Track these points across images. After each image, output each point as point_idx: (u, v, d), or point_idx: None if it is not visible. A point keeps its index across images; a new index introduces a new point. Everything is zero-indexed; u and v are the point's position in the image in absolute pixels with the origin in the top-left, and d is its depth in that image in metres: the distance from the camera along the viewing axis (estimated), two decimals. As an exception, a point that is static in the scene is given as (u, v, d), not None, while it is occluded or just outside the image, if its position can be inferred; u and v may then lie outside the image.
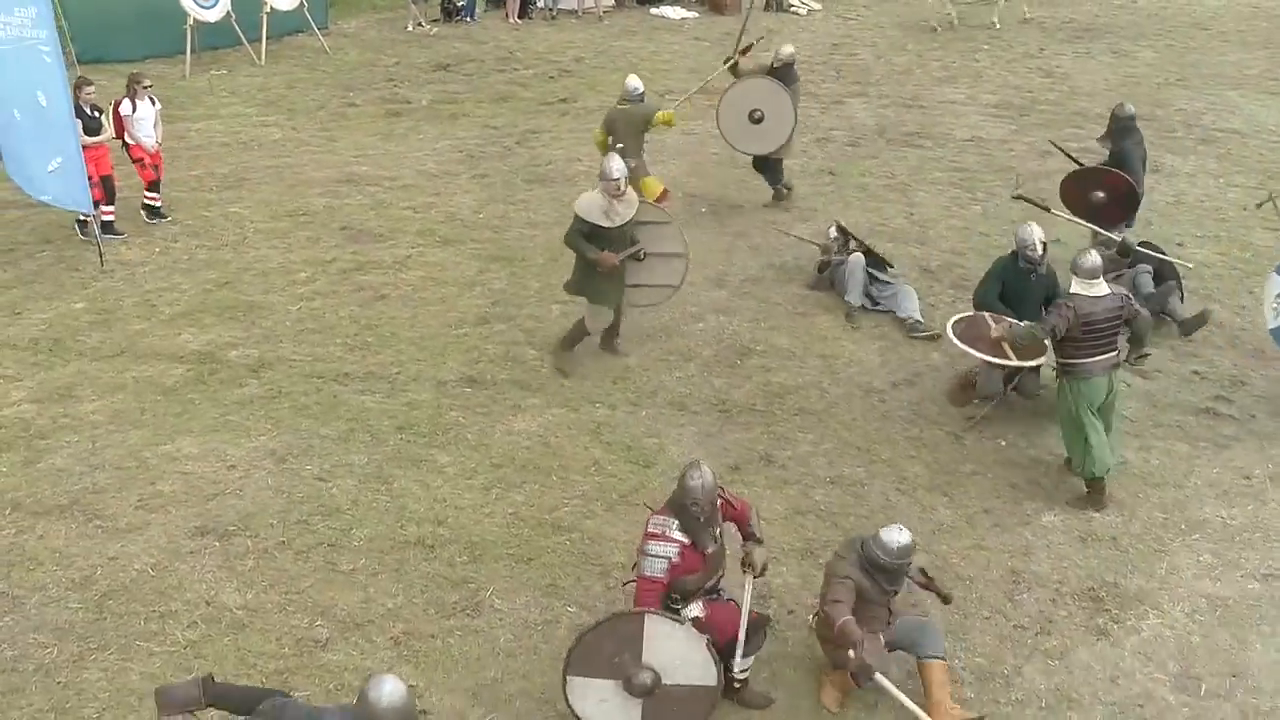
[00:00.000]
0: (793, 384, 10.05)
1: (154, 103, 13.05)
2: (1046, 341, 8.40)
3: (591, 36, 22.00)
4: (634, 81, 12.08)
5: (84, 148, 12.18)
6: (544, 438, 9.24)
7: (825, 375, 10.19)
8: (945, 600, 7.18)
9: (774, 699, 6.84)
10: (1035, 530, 8.33)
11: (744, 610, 6.51)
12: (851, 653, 6.36)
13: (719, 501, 6.75)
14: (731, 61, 13.33)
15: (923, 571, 7.08)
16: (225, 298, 11.53)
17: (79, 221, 12.73)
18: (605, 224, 9.50)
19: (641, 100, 12.05)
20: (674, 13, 23.24)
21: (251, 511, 8.31)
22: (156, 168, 13.25)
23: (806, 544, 8.07)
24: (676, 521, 6.51)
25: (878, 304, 11.27)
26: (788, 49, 13.08)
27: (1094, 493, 8.48)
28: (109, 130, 12.68)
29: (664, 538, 6.46)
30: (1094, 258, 8.23)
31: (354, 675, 6.94)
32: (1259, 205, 12.00)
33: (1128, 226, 11.36)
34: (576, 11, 23.27)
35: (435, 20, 22.82)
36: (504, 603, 7.53)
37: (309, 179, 14.75)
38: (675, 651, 6.27)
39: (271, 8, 19.85)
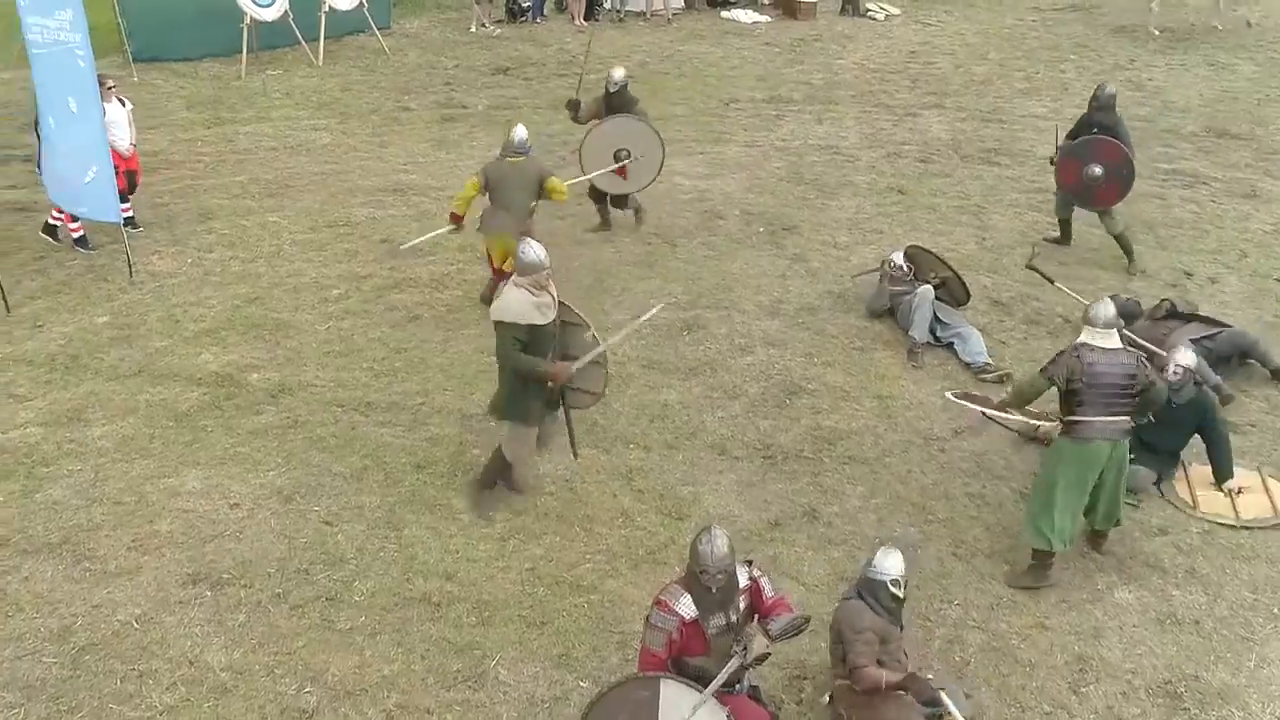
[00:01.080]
0: (845, 428, 9.26)
1: (124, 104, 12.51)
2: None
3: (658, 40, 21.29)
4: (520, 132, 10.37)
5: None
6: (570, 483, 8.56)
7: (881, 419, 9.39)
8: None
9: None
10: (1107, 609, 7.47)
11: (711, 683, 5.72)
12: (899, 680, 5.97)
13: (749, 582, 6.00)
14: (574, 103, 12.43)
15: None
16: (253, 314, 11.00)
17: (50, 226, 12.29)
18: (541, 321, 7.71)
19: (528, 154, 10.43)
20: (745, 16, 22.44)
21: (249, 558, 7.72)
22: (132, 174, 12.61)
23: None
24: (688, 595, 5.79)
25: (940, 340, 10.37)
26: (619, 72, 12.09)
27: (1038, 568, 7.59)
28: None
29: (667, 608, 5.76)
30: (1108, 308, 7.39)
31: (340, 758, 6.27)
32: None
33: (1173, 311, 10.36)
34: (644, 14, 22.54)
35: (499, 21, 22.25)
36: (510, 674, 6.86)
37: (354, 187, 14.22)
38: None
39: (330, 7, 19.40)
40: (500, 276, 9.93)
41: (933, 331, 10.43)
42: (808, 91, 17.95)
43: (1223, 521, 8.25)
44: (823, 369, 10.05)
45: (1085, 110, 11.80)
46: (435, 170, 14.79)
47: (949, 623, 7.34)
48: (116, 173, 11.90)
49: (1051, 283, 10.41)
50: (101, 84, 11.83)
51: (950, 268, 10.66)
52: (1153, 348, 9.03)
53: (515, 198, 10.27)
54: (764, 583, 6.18)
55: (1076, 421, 7.27)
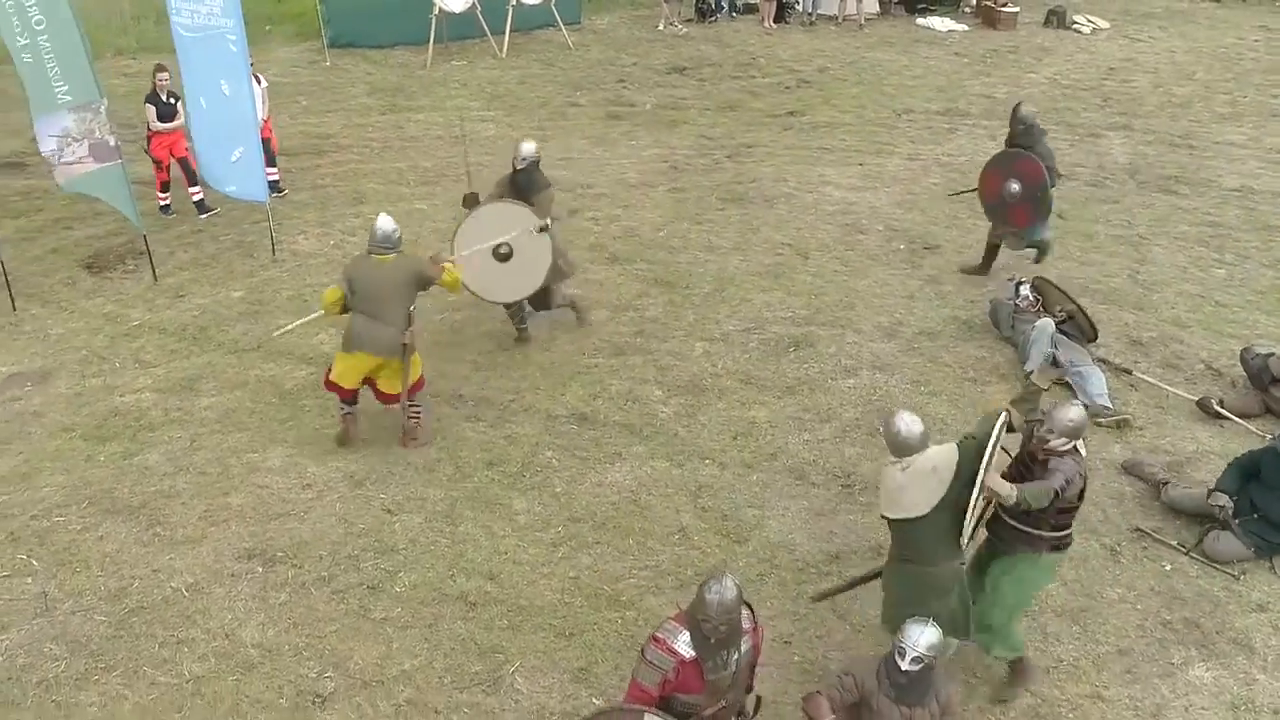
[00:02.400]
0: (935, 463, 8.76)
1: (259, 81, 13.17)
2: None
3: (845, 46, 20.82)
4: (386, 223, 8.51)
5: (158, 134, 12.30)
6: (636, 494, 8.43)
7: (981, 456, 8.85)
8: None
9: None
10: (1176, 686, 6.91)
11: None
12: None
13: (751, 630, 5.78)
14: (472, 198, 9.99)
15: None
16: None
17: (162, 206, 12.86)
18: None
19: (398, 247, 8.59)
20: (941, 24, 21.71)
21: (306, 539, 7.91)
22: (266, 141, 13.07)
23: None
24: (687, 635, 5.60)
25: (1061, 378, 9.77)
26: (528, 146, 9.76)
27: (1021, 671, 6.89)
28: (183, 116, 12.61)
29: (665, 647, 5.57)
30: (1079, 413, 6.44)
31: (341, 745, 6.35)
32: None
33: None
34: (836, 18, 22.08)
35: (688, 20, 22.19)
36: (527, 683, 6.82)
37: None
38: None
39: (519, 1, 19.72)
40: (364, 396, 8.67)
41: (1056, 364, 9.81)
42: (987, 106, 17.23)
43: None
44: (927, 398, 9.60)
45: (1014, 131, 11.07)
46: (587, 167, 14.85)
47: (998, 680, 6.89)
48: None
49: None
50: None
51: (1075, 303, 10.03)
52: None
53: (387, 306, 8.40)
54: (760, 629, 5.94)
55: (1063, 536, 6.65)
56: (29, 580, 7.53)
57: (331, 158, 15.27)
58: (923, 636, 5.73)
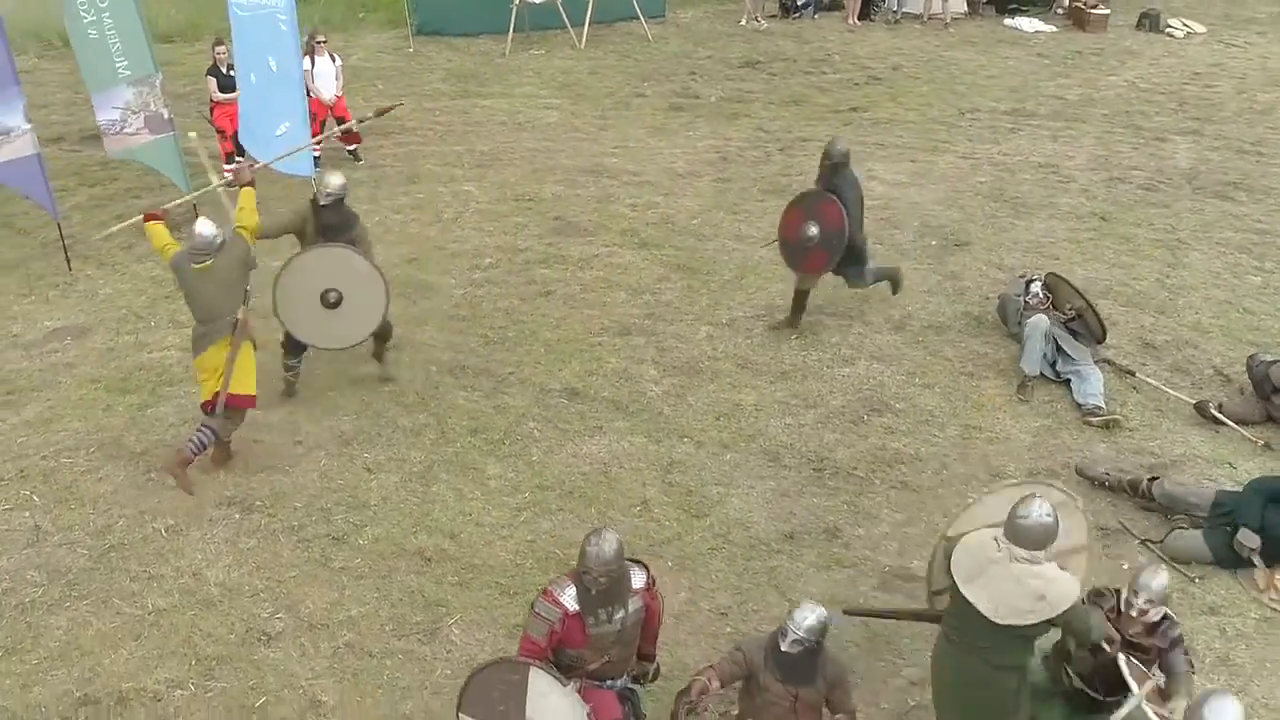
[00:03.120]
0: (911, 452, 8.87)
1: (334, 59, 14.05)
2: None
3: (924, 44, 20.67)
4: (206, 228, 8.03)
5: (220, 104, 12.83)
6: (607, 466, 8.67)
7: (956, 448, 8.93)
8: None
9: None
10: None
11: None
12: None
13: (641, 590, 5.98)
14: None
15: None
16: (404, 273, 11.68)
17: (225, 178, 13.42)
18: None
19: (217, 253, 8.13)
20: (1029, 25, 21.39)
21: (286, 491, 8.34)
22: (340, 120, 14.06)
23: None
24: (574, 588, 5.83)
25: (1060, 375, 9.72)
26: (335, 179, 8.95)
27: None
28: None
29: (552, 599, 5.81)
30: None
31: (276, 678, 6.76)
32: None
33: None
34: (921, 16, 21.92)
35: (772, 16, 22.26)
36: (463, 635, 7.12)
37: (556, 165, 14.74)
38: (557, 715, 5.69)
39: (599, -8, 20.10)
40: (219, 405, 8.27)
41: (1054, 366, 9.75)
42: (1057, 107, 16.99)
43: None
44: (919, 390, 9.64)
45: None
46: (639, 155, 15.09)
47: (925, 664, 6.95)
48: (314, 119, 13.40)
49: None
50: (313, 39, 13.36)
51: (1086, 300, 9.94)
52: None
53: (222, 306, 8.23)
54: (655, 593, 6.11)
55: None
56: (27, 514, 8.08)
57: (395, 139, 15.79)
58: (806, 620, 5.84)
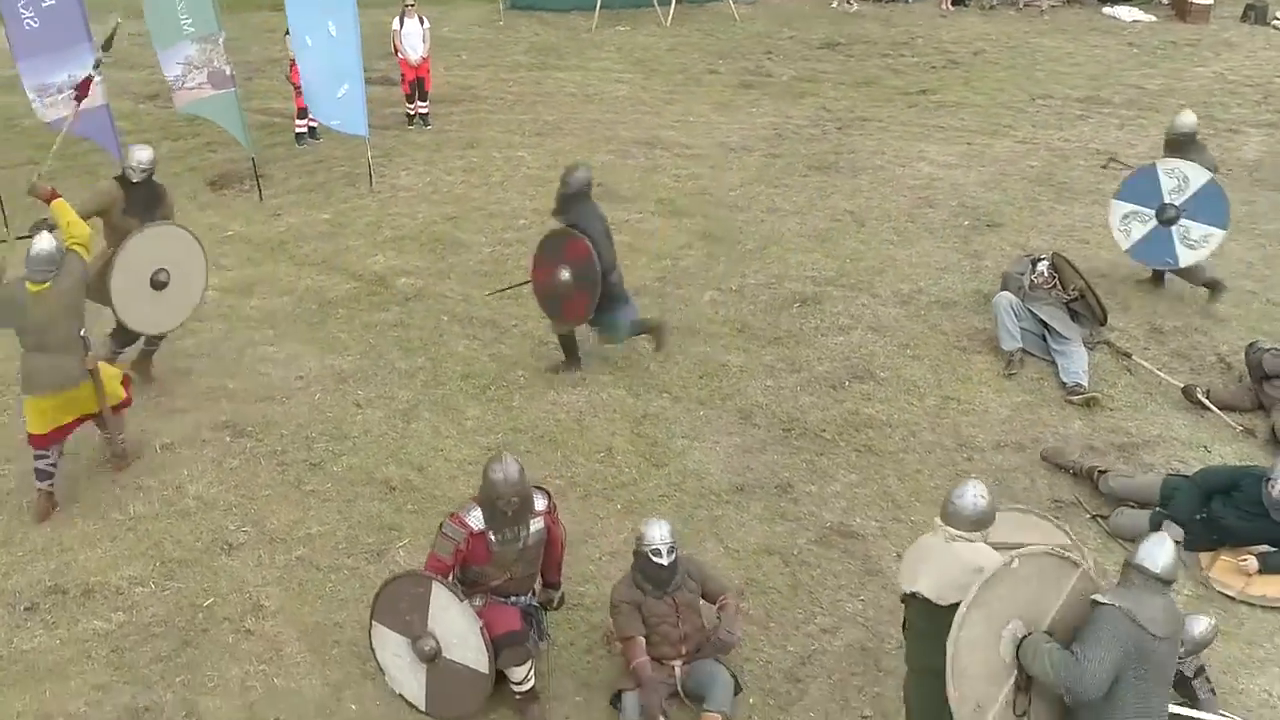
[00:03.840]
0: (883, 419, 9.03)
1: (422, 21, 14.73)
2: None
3: (1014, 30, 20.43)
4: (45, 244, 7.46)
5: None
6: (583, 415, 9.03)
7: (929, 418, 9.05)
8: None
9: (546, 725, 6.32)
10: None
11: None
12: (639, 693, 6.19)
13: (543, 513, 6.36)
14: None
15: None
16: (441, 231, 12.22)
17: (298, 135, 14.07)
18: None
19: (57, 272, 7.48)
20: (1127, 14, 20.94)
21: (277, 420, 8.90)
22: (421, 80, 15.04)
23: (739, 590, 7.31)
24: (479, 510, 6.24)
25: (1051, 354, 9.74)
26: (145, 154, 8.92)
27: None
28: None
29: (459, 520, 6.23)
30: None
31: (228, 583, 7.30)
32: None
33: None
34: (1017, 2, 21.63)
35: (865, -1, 22.24)
36: (408, 558, 7.54)
37: (614, 136, 15.12)
38: (454, 627, 6.17)
39: (687, -28, 20.37)
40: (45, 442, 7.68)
41: (1046, 345, 9.78)
42: (1132, 96, 16.69)
43: (1223, 589, 7.35)
44: (907, 361, 9.76)
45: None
46: (697, 130, 15.36)
47: (843, 615, 7.18)
48: (403, 80, 14.82)
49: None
50: (405, 2, 14.54)
51: (1087, 283, 9.93)
52: None
53: (58, 335, 7.49)
54: (557, 519, 6.48)
55: None
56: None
57: (465, 106, 16.37)
58: (661, 533, 6.31)
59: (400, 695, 6.47)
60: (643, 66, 18.22)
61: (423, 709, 6.41)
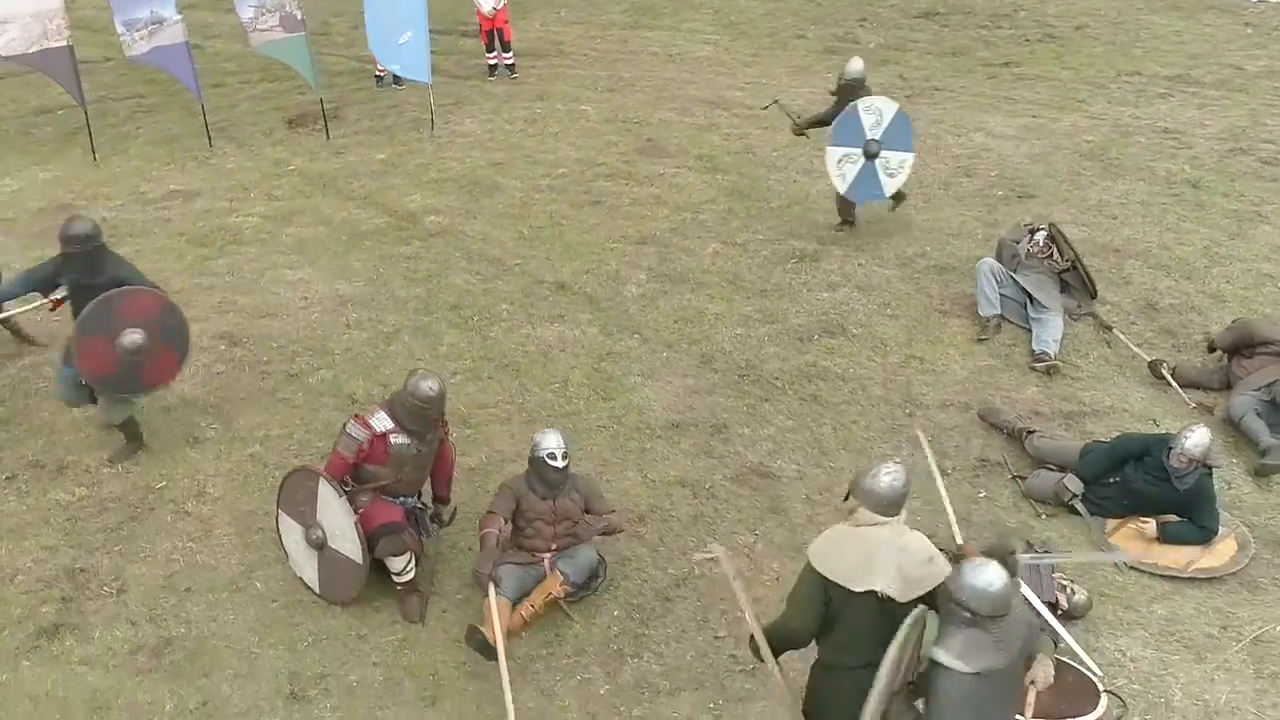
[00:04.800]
0: (839, 372, 9.28)
1: None
2: None
3: (1125, 6, 19.80)
4: None
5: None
6: (551, 349, 9.53)
7: (886, 374, 9.26)
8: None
9: (419, 619, 6.88)
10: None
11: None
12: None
13: (440, 429, 6.91)
14: None
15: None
16: (482, 175, 12.84)
17: (377, 76, 14.80)
18: None
19: None
20: (1266, -7, 20.08)
21: (271, 334, 9.67)
22: (499, 30, 15.77)
23: (642, 516, 7.80)
24: (384, 414, 6.83)
25: (1029, 321, 9.80)
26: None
27: None
28: None
29: (363, 422, 6.83)
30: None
31: (184, 471, 8.10)
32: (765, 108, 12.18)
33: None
34: (1140, -22, 20.94)
35: (984, -31, 21.83)
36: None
37: (681, 95, 15.47)
38: (335, 520, 6.77)
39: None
40: None
41: (1026, 314, 9.85)
42: (1225, 77, 16.17)
43: (1121, 557, 7.44)
44: (884, 320, 9.95)
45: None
46: (764, 91, 15.53)
47: (732, 546, 7.52)
48: (480, 30, 15.54)
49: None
50: None
51: (1077, 256, 9.94)
52: None
53: None
54: (449, 434, 7.04)
55: None
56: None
57: (549, 61, 16.94)
58: (555, 439, 6.85)
59: (300, 578, 7.08)
60: (733, 29, 18.46)
61: (317, 591, 7.01)
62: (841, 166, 10.57)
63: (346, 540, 6.72)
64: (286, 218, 11.80)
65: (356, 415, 6.90)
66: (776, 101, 12.39)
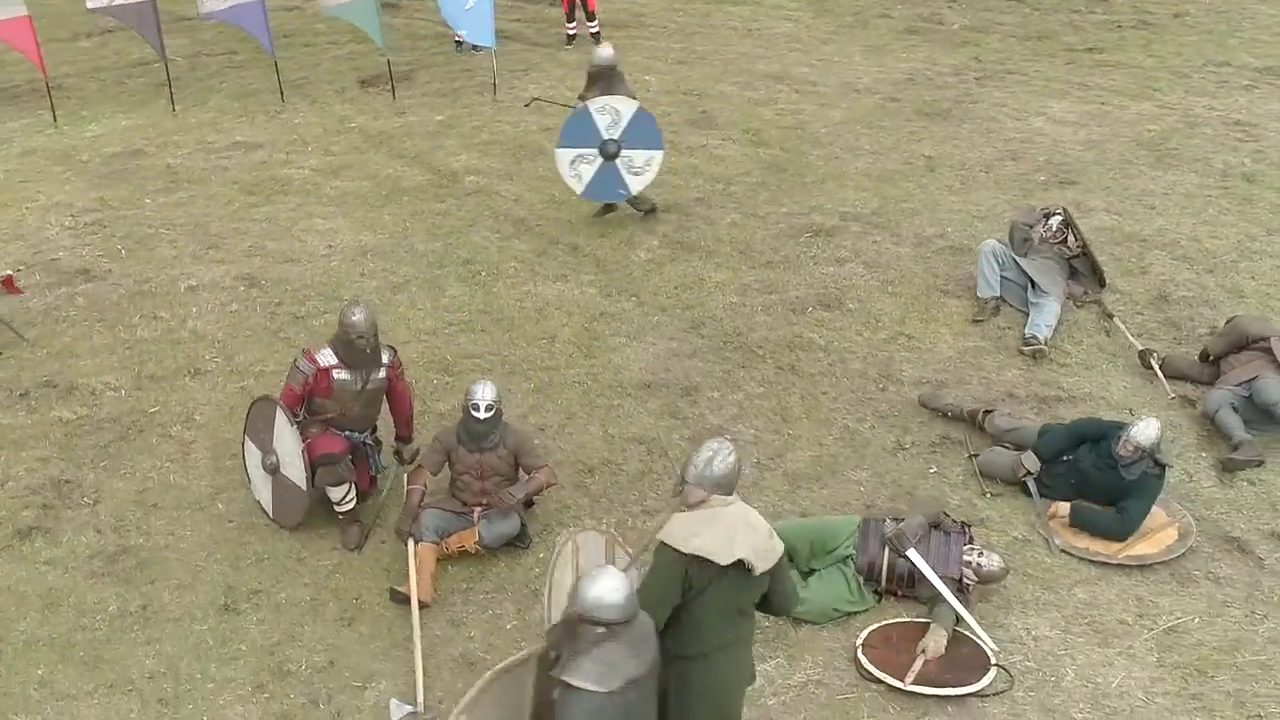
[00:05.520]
0: (823, 344, 9.38)
1: None
2: None
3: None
4: None
5: None
6: (546, 306, 9.84)
7: (871, 349, 9.32)
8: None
9: (356, 547, 7.30)
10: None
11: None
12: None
13: (387, 366, 7.34)
14: None
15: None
16: (530, 139, 13.21)
17: (456, 41, 15.21)
18: None
19: None
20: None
21: (289, 279, 10.20)
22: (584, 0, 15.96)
23: (592, 469, 8.06)
24: (330, 350, 7.27)
25: (1028, 305, 9.76)
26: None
27: None
28: None
29: (310, 358, 7.28)
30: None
31: (178, 398, 8.68)
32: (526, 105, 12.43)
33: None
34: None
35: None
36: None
37: (748, 69, 15.58)
38: (286, 447, 7.22)
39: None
40: None
41: (1024, 298, 9.81)
42: (1321, 69, 15.57)
43: (1049, 535, 7.46)
44: (883, 296, 9.98)
45: None
46: (833, 69, 15.58)
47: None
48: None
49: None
50: None
51: (1086, 244, 9.86)
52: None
53: None
54: (401, 373, 7.41)
55: None
56: (107, 259, 10.45)
57: (628, 32, 17.19)
58: (484, 392, 7.06)
59: (258, 502, 7.56)
60: (816, 5, 18.43)
61: (270, 515, 7.48)
62: (576, 167, 10.46)
63: (294, 467, 7.15)
64: (335, 171, 12.34)
65: (305, 350, 7.31)
66: (537, 99, 12.73)
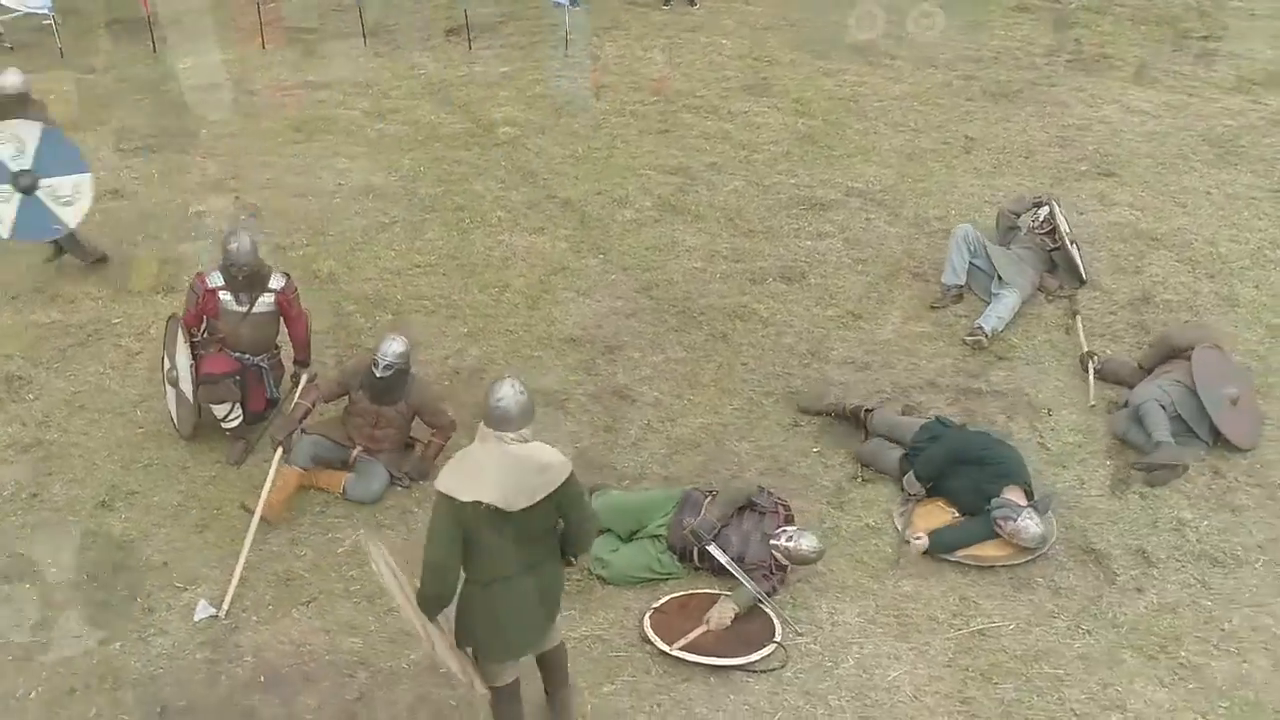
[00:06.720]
0: (766, 315, 9.36)
1: None
2: None
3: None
4: None
5: None
6: (514, 256, 10.11)
7: (811, 326, 9.26)
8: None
9: (236, 463, 7.81)
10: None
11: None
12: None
13: (277, 294, 7.82)
14: None
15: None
16: (577, 99, 13.43)
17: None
18: None
19: None
20: None
21: (288, 211, 10.78)
22: None
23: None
24: (218, 274, 7.81)
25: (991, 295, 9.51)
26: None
27: None
28: None
29: (200, 280, 7.83)
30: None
31: (143, 314, 9.40)
32: None
33: None
34: None
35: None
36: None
37: (831, 39, 15.29)
38: (182, 362, 7.81)
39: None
40: None
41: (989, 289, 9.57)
42: None
43: (902, 528, 7.37)
44: (849, 275, 9.87)
45: None
46: (914, 43, 15.21)
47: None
48: None
49: None
50: None
51: (1065, 244, 9.55)
52: None
53: None
54: (295, 300, 7.85)
55: None
56: (140, 181, 11.26)
57: (734, 7, 17.03)
58: (393, 347, 7.32)
59: (169, 411, 8.15)
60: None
61: (175, 426, 8.06)
62: None
63: (186, 382, 7.69)
64: (383, 115, 12.89)
65: (199, 272, 7.82)
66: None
